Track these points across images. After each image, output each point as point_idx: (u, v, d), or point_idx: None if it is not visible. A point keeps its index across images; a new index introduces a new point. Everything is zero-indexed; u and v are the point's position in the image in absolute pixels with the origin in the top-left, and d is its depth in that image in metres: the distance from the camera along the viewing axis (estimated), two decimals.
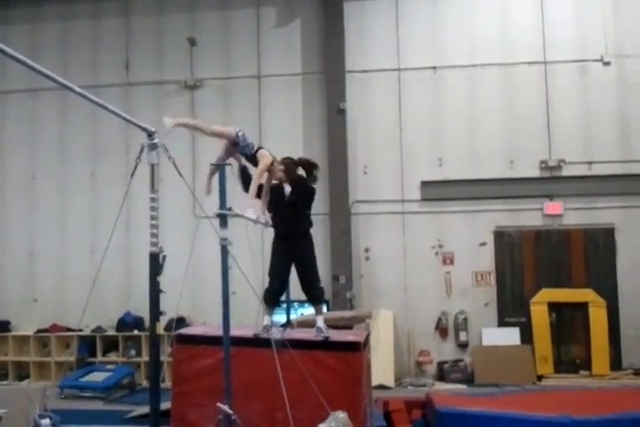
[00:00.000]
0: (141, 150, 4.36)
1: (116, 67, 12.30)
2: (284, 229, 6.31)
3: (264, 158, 6.03)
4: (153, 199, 4.46)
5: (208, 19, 12.20)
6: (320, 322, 6.25)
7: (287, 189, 6.38)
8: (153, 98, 12.06)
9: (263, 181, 6.18)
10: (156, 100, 12.04)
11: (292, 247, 6.25)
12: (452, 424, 6.65)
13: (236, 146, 6.12)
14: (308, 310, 10.00)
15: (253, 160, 6.14)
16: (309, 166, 6.35)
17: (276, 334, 6.04)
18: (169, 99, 12.15)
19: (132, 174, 4.29)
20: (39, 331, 11.73)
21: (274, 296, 6.39)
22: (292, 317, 7.73)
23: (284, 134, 11.75)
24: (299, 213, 6.29)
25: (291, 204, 6.29)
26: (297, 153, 11.27)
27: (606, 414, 6.62)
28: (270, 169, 6.09)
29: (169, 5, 12.35)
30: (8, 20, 12.35)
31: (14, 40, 11.40)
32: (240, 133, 6.07)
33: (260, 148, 6.17)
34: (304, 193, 6.32)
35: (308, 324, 7.09)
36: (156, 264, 4.39)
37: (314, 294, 6.37)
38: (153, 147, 4.37)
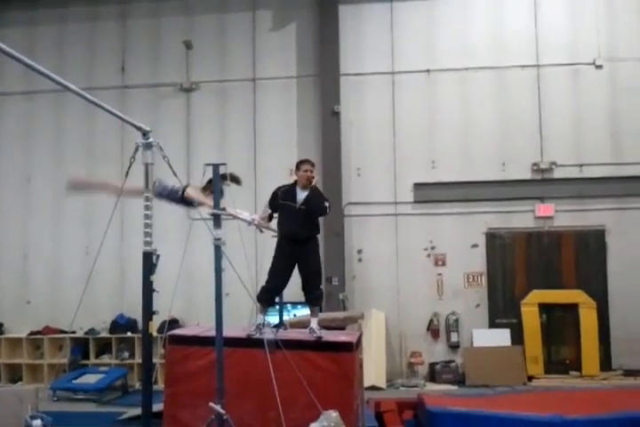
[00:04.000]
0: (136, 150, 4.40)
1: (113, 69, 12.33)
2: (291, 234, 6.35)
3: (196, 196, 5.93)
4: (147, 198, 4.50)
5: (204, 22, 12.25)
6: (314, 323, 6.31)
7: (300, 195, 6.39)
8: (149, 101, 12.12)
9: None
10: (151, 103, 12.09)
11: (296, 250, 6.30)
12: (444, 424, 6.70)
13: (160, 197, 5.99)
14: (301, 312, 10.07)
15: (185, 202, 6.03)
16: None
17: (268, 334, 6.10)
18: (165, 101, 12.20)
19: (127, 173, 4.33)
20: (32, 333, 11.70)
21: (270, 295, 6.45)
22: (285, 318, 7.77)
23: (279, 137, 11.83)
24: (308, 220, 6.33)
25: (303, 211, 6.33)
26: (291, 156, 11.49)
27: (596, 414, 6.68)
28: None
29: (165, 8, 12.39)
30: (4, 22, 12.37)
31: (10, 43, 11.16)
32: (156, 184, 5.65)
33: (185, 187, 6.00)
34: (321, 207, 6.36)
35: (301, 325, 7.15)
36: (149, 263, 4.42)
37: (313, 296, 6.43)
38: (148, 146, 4.40)
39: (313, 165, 6.51)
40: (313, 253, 6.40)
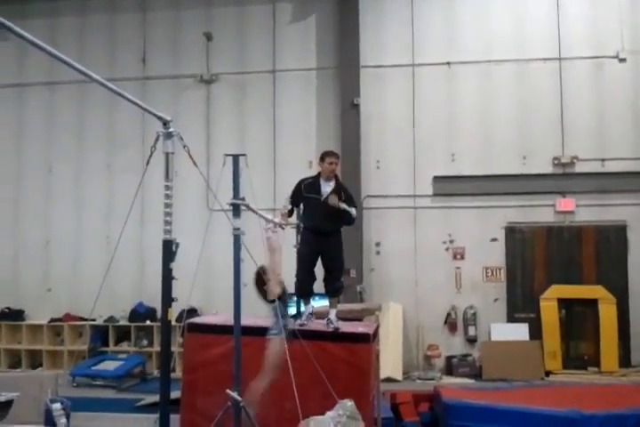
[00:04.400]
0: (157, 139, 4.42)
1: (133, 61, 12.41)
2: (316, 226, 6.38)
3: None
4: (167, 187, 4.52)
5: (224, 14, 12.28)
6: (332, 314, 6.35)
7: (325, 187, 6.41)
8: (169, 92, 12.17)
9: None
10: (172, 95, 12.15)
11: (320, 242, 6.34)
12: (460, 417, 6.70)
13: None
14: (318, 303, 10.10)
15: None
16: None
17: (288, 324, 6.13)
18: (185, 93, 12.26)
19: (148, 162, 4.35)
20: (53, 320, 11.89)
21: (303, 287, 6.52)
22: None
23: (298, 129, 11.84)
24: (333, 213, 6.35)
25: (328, 205, 6.34)
26: (310, 147, 11.51)
27: (615, 410, 6.65)
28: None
29: (185, 0, 12.43)
30: (25, 14, 12.44)
31: (32, 33, 11.45)
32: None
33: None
34: (347, 197, 6.42)
35: (318, 316, 7.18)
36: (169, 251, 4.46)
37: (333, 287, 6.47)
38: (168, 136, 4.43)
39: (338, 157, 6.54)
40: (337, 245, 6.43)
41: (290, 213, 6.53)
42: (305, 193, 6.41)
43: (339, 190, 6.40)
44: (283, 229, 6.76)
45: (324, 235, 6.32)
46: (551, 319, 10.94)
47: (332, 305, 6.48)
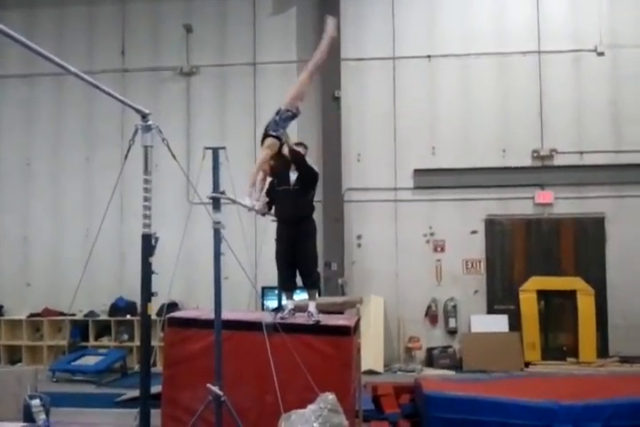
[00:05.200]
0: (135, 132, 4.39)
1: (112, 53, 12.29)
2: (287, 215, 6.38)
3: (263, 150, 6.14)
4: (146, 181, 4.49)
5: (204, 5, 12.20)
6: (312, 307, 6.34)
7: (292, 177, 6.42)
8: (149, 84, 12.08)
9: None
10: (151, 87, 12.06)
11: (293, 232, 6.32)
12: (440, 408, 6.73)
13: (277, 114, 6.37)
14: (298, 296, 10.10)
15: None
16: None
17: (267, 318, 6.14)
18: (165, 85, 12.18)
19: (126, 156, 4.32)
20: (32, 315, 11.79)
21: (285, 282, 6.51)
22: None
23: None
24: (302, 199, 6.35)
25: (296, 191, 6.35)
26: (292, 140, 11.43)
27: (592, 400, 6.72)
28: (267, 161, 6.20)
29: None
30: (3, 4, 12.30)
31: (8, 25, 11.28)
32: (289, 113, 6.34)
33: (270, 135, 6.28)
34: (310, 178, 6.41)
35: (299, 309, 7.18)
36: (148, 245, 4.43)
37: (310, 279, 6.46)
38: (147, 129, 4.39)
39: (306, 147, 6.59)
40: (307, 235, 6.40)
41: (269, 207, 6.51)
42: (277, 187, 6.44)
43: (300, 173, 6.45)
44: (263, 215, 6.75)
45: (294, 223, 6.31)
46: (530, 311, 11.04)
47: (311, 297, 6.47)
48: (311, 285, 6.48)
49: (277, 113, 6.42)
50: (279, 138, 6.28)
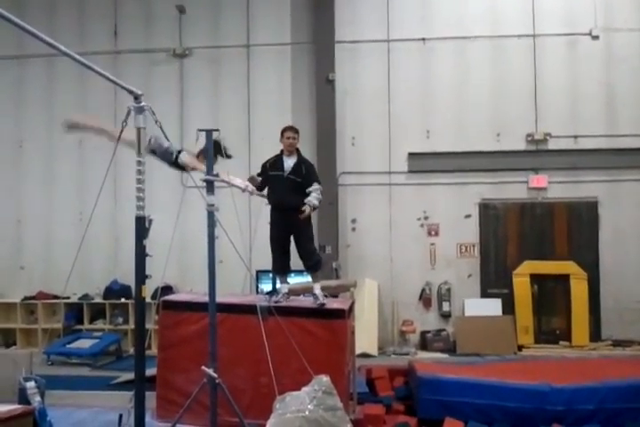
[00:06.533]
0: (128, 113, 4.36)
1: (105, 34, 12.15)
2: (280, 203, 6.38)
3: (189, 161, 5.84)
4: (139, 163, 4.47)
5: None
6: (317, 289, 6.37)
7: (287, 163, 6.41)
8: (141, 66, 11.97)
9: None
10: (144, 69, 11.95)
11: (289, 219, 6.32)
12: (434, 391, 6.77)
13: (153, 153, 5.80)
14: (294, 280, 10.13)
15: (177, 165, 5.89)
16: None
17: (261, 301, 6.16)
18: (157, 67, 12.06)
19: (119, 138, 4.30)
20: (26, 298, 11.76)
21: (280, 265, 6.55)
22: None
23: (273, 104, 11.74)
24: (296, 188, 6.34)
25: (291, 179, 6.34)
26: (285, 123, 11.31)
27: (584, 383, 6.77)
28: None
29: None
30: None
31: None
32: (152, 140, 5.59)
33: (179, 152, 5.86)
34: (308, 172, 6.40)
35: (296, 292, 7.20)
36: (141, 228, 4.42)
37: (311, 262, 6.48)
38: (139, 110, 4.36)
39: (296, 131, 6.56)
40: (305, 221, 6.41)
41: (261, 188, 6.49)
42: (270, 172, 6.43)
43: (299, 164, 6.41)
44: (252, 194, 6.71)
45: (289, 210, 6.30)
46: (524, 295, 11.09)
47: (314, 280, 6.51)
48: (313, 266, 6.51)
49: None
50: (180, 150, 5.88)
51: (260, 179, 6.40)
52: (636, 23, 11.35)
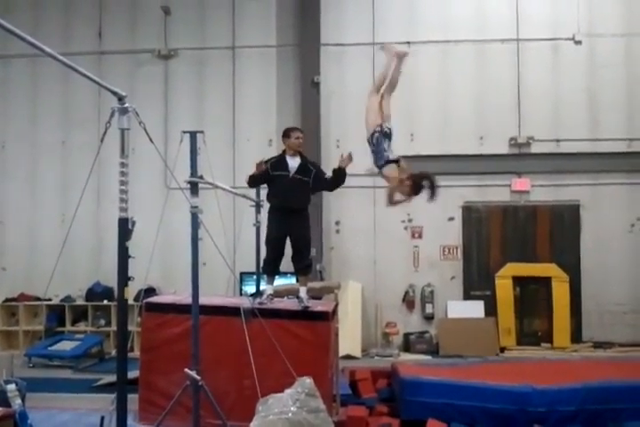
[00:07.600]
0: (112, 115, 4.34)
1: (89, 35, 12.08)
2: (285, 203, 6.37)
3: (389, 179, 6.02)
4: (123, 164, 4.45)
5: None
6: (302, 292, 6.37)
7: (292, 164, 6.41)
8: (126, 67, 11.91)
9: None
10: (129, 70, 11.90)
11: (289, 221, 6.32)
12: (417, 393, 6.78)
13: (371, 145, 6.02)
14: (279, 282, 10.13)
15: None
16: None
17: (245, 303, 6.15)
18: (142, 68, 12.02)
19: (102, 139, 4.28)
20: (7, 300, 11.66)
21: (270, 266, 6.54)
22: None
23: (258, 106, 11.74)
24: (303, 189, 6.34)
25: (297, 180, 6.33)
26: (270, 126, 11.44)
27: (566, 384, 6.82)
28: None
29: None
30: None
31: None
32: (376, 135, 6.01)
33: (390, 162, 6.04)
34: (318, 170, 6.49)
35: (279, 294, 7.21)
36: (124, 229, 4.40)
37: (302, 265, 6.49)
38: (123, 111, 4.34)
39: (302, 132, 6.57)
40: (304, 223, 6.46)
41: (259, 180, 6.51)
42: (272, 172, 6.41)
43: (305, 165, 6.42)
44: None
45: (292, 212, 6.31)
46: (506, 297, 11.16)
47: (302, 283, 6.51)
48: (303, 270, 6.52)
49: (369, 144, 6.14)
50: (396, 161, 6.04)
51: (266, 167, 6.38)
52: (619, 29, 11.47)
